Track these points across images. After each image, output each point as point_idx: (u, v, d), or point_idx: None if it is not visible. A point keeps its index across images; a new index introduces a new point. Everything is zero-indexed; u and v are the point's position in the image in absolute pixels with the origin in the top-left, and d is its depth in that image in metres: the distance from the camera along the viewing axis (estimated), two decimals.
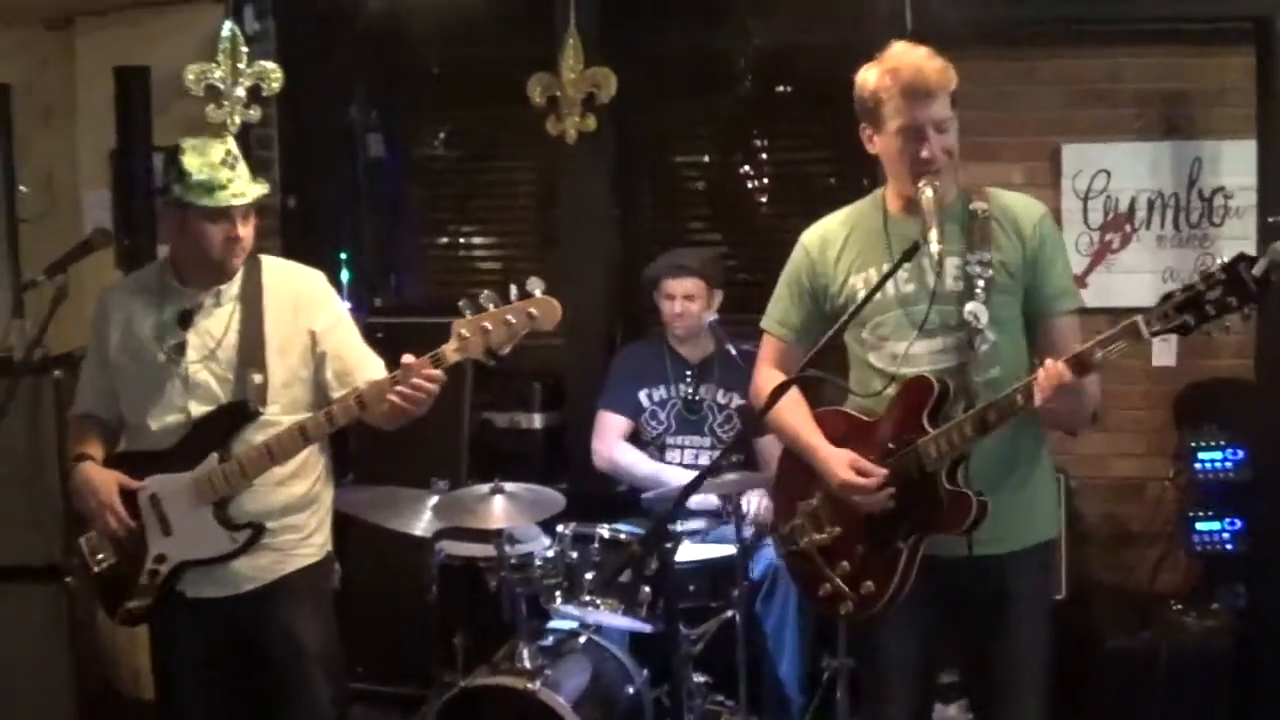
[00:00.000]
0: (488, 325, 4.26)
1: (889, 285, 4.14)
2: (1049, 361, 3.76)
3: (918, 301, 4.13)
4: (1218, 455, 5.95)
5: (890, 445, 4.11)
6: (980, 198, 4.23)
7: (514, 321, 4.25)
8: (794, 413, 4.31)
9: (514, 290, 4.27)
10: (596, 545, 5.54)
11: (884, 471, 4.08)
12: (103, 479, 4.60)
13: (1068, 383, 3.71)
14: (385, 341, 4.95)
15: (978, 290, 4.08)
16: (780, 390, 3.98)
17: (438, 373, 4.35)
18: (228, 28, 6.84)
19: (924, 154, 4.06)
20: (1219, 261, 3.52)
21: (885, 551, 4.12)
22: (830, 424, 4.31)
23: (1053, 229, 4.28)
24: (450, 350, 4.32)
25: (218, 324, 4.63)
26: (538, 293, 4.26)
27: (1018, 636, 4.21)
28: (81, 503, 4.64)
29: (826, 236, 4.36)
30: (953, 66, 4.12)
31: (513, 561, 5.51)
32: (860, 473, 4.10)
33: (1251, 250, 5.64)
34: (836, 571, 4.22)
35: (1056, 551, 4.57)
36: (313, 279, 4.86)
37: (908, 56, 4.11)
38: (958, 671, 4.93)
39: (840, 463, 4.15)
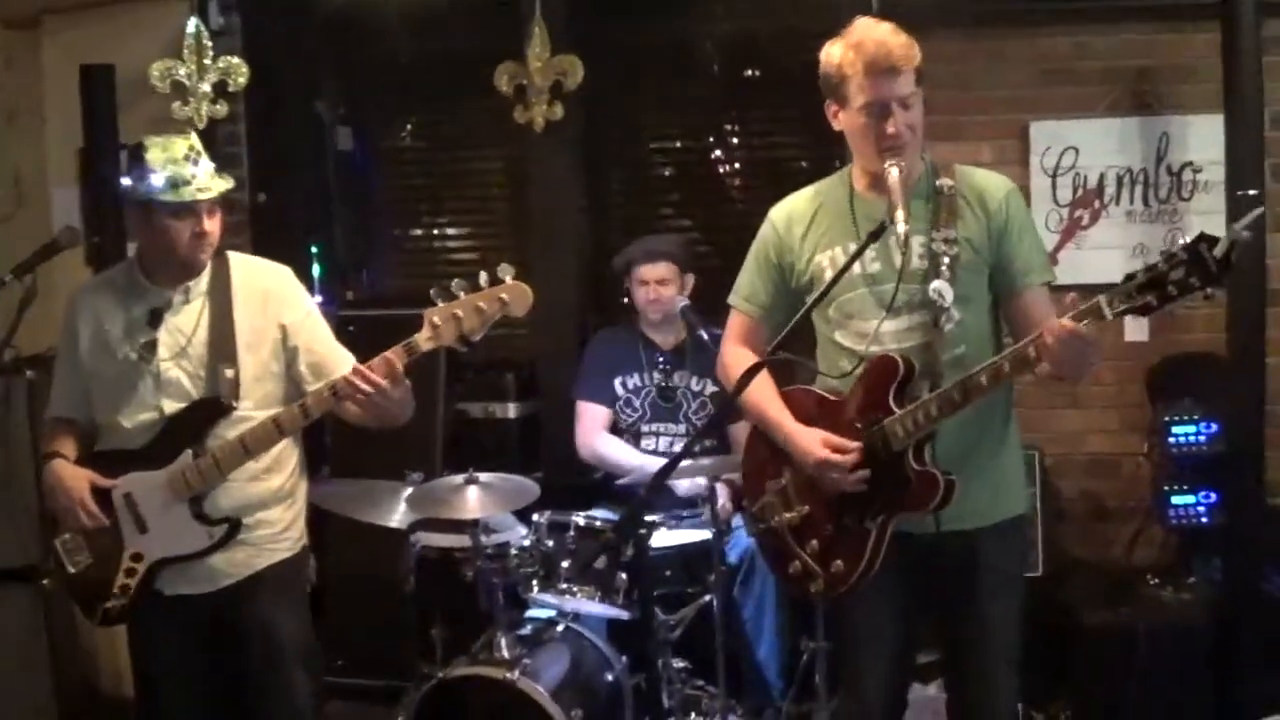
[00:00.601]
0: (459, 313, 4.27)
1: (855, 264, 4.13)
2: (1052, 322, 3.70)
3: (884, 280, 4.13)
4: (1191, 429, 5.96)
5: (857, 425, 4.11)
6: (947, 174, 4.23)
7: (485, 308, 4.27)
8: (762, 392, 4.30)
9: (484, 277, 4.28)
10: (572, 533, 5.54)
11: (858, 446, 4.08)
12: (73, 476, 4.60)
13: (1072, 333, 3.65)
14: (358, 334, 4.97)
15: (943, 268, 4.08)
16: (751, 372, 3.98)
17: (397, 367, 4.35)
18: (193, 24, 6.82)
19: (889, 130, 4.06)
20: (1180, 241, 3.52)
21: (854, 531, 4.14)
22: (797, 402, 4.31)
23: (1020, 204, 4.28)
24: (423, 339, 4.33)
25: (188, 321, 4.63)
26: (508, 279, 4.28)
27: (989, 611, 4.23)
28: (53, 501, 4.63)
29: (793, 214, 4.37)
30: (918, 45, 4.11)
31: (489, 551, 5.51)
32: (835, 450, 4.11)
33: (1221, 225, 5.74)
34: (806, 550, 4.24)
35: (1026, 527, 4.55)
36: (281, 274, 4.85)
37: (872, 32, 4.10)
38: (934, 651, 4.94)
39: (813, 441, 4.15)
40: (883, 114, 4.06)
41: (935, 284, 4.06)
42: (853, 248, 4.13)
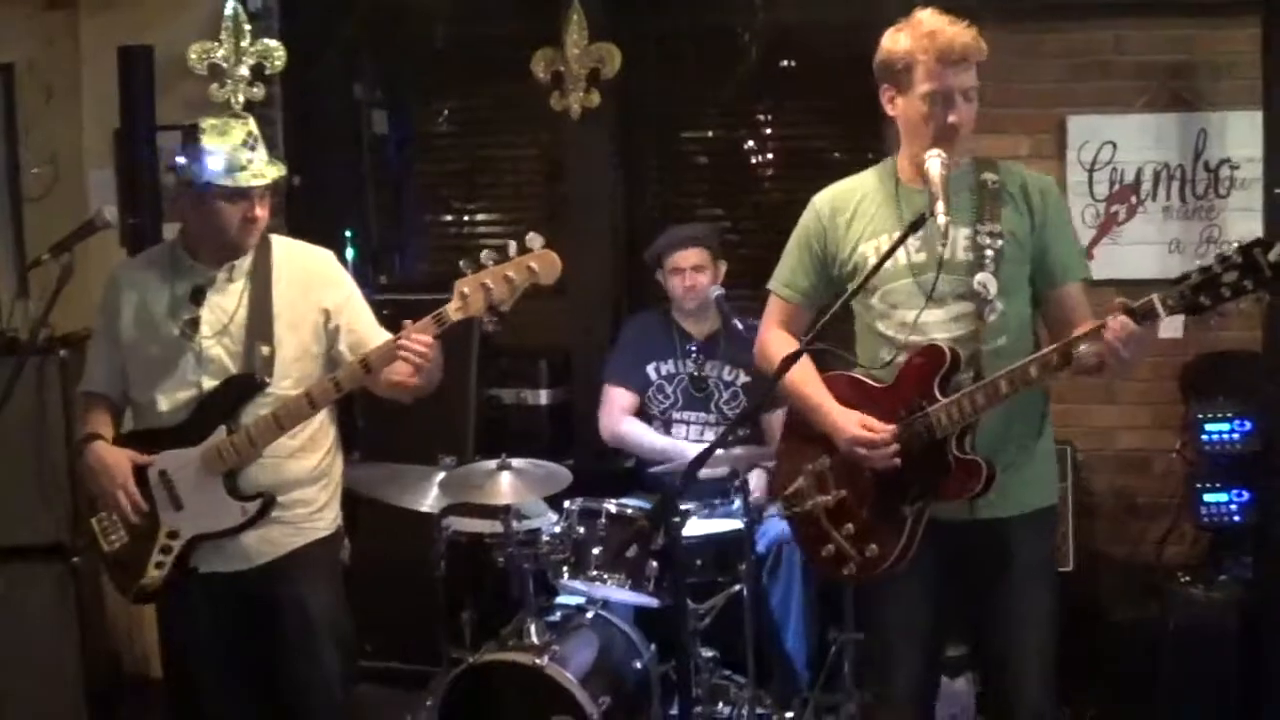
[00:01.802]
0: (488, 282, 4.29)
1: (900, 254, 4.16)
2: (1111, 319, 3.76)
3: (928, 270, 4.15)
4: (1225, 427, 5.93)
5: (901, 411, 4.13)
6: (990, 169, 4.27)
7: (514, 277, 4.29)
8: (804, 375, 4.32)
9: (513, 246, 4.29)
10: (603, 520, 5.54)
11: (892, 427, 4.12)
12: (115, 459, 4.62)
13: (1136, 331, 3.72)
14: (391, 318, 4.94)
15: (987, 260, 4.12)
16: (790, 359, 4.00)
17: (426, 338, 4.37)
18: (231, 6, 6.83)
19: (951, 119, 4.10)
20: (1234, 244, 3.54)
21: (891, 516, 4.17)
22: (839, 388, 4.34)
23: (1060, 201, 4.36)
24: (453, 309, 4.36)
25: (230, 300, 4.66)
26: (536, 248, 4.29)
27: (1023, 599, 4.26)
28: (94, 483, 4.65)
29: (837, 202, 4.38)
30: None
31: (520, 537, 5.53)
32: (868, 429, 4.14)
33: (1258, 222, 5.72)
34: (841, 533, 4.27)
35: (1057, 518, 4.59)
36: (324, 258, 4.90)
37: (942, 23, 4.15)
38: (964, 644, 4.94)
39: (849, 420, 4.19)
40: (947, 103, 4.10)
41: (980, 276, 4.11)
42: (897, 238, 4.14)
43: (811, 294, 4.47)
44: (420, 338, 4.37)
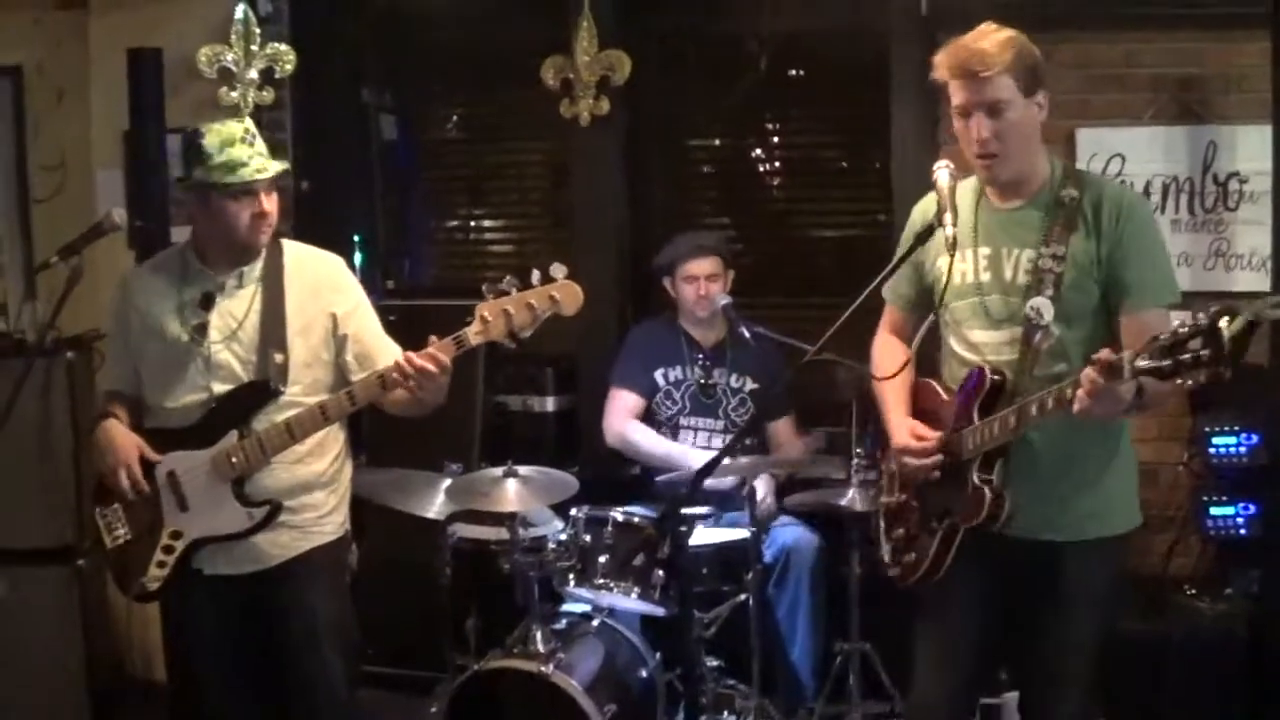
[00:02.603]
0: (510, 309, 4.32)
1: (969, 272, 4.16)
2: (1085, 372, 3.64)
3: (990, 291, 4.13)
4: (1232, 440, 5.92)
5: (946, 430, 4.17)
6: (1073, 184, 4.16)
7: (536, 305, 4.31)
8: (892, 381, 4.35)
9: (536, 275, 4.32)
10: (610, 528, 5.53)
11: (936, 436, 4.14)
12: (124, 439, 4.64)
13: (1102, 387, 3.59)
14: (398, 324, 4.99)
15: (1045, 285, 4.04)
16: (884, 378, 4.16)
17: (444, 359, 4.39)
18: (241, 10, 6.84)
19: (974, 134, 4.04)
20: (1209, 310, 3.35)
21: (926, 529, 4.22)
22: (920, 394, 4.40)
23: (1140, 221, 4.13)
24: (473, 333, 4.38)
25: (239, 305, 4.68)
26: (560, 277, 4.32)
27: (1061, 628, 4.19)
28: (100, 459, 4.67)
29: (927, 213, 4.25)
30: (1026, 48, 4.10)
31: (526, 544, 5.54)
32: (916, 437, 4.18)
33: (1267, 236, 5.71)
34: (892, 535, 4.36)
35: (1123, 549, 4.40)
36: (334, 264, 4.92)
37: (969, 37, 4.08)
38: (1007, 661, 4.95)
39: (901, 427, 4.25)
40: (965, 118, 4.06)
41: (1034, 300, 4.03)
42: (975, 252, 4.16)
43: (916, 300, 4.46)
44: (437, 355, 4.39)
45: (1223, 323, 3.27)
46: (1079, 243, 4.08)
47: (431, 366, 4.38)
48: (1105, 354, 3.57)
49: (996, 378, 4.07)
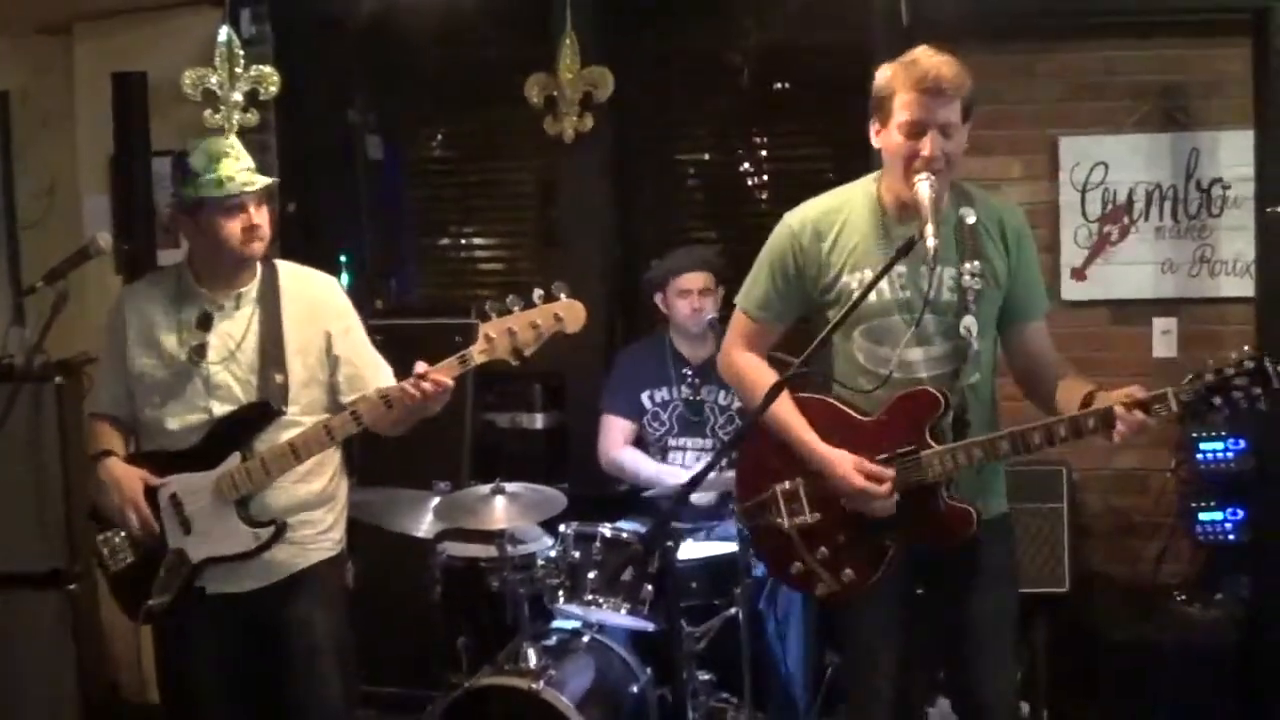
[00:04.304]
0: (514, 328, 4.34)
1: (886, 289, 4.17)
2: (1123, 411, 3.82)
3: (915, 308, 4.14)
4: (1219, 445, 5.96)
5: (889, 452, 4.14)
6: (965, 201, 4.25)
7: (540, 324, 4.35)
8: (785, 406, 4.29)
9: (538, 293, 4.35)
10: (599, 544, 5.53)
11: (892, 474, 4.12)
12: (128, 476, 4.64)
13: (1148, 423, 3.83)
14: (386, 344, 4.98)
15: (970, 302, 4.13)
16: (776, 389, 3.96)
17: (448, 380, 4.43)
18: (224, 32, 6.83)
19: (923, 151, 4.04)
20: (1246, 349, 3.70)
21: (871, 543, 4.21)
22: (816, 413, 4.32)
23: (1030, 236, 4.37)
24: (477, 351, 4.40)
25: (237, 326, 4.70)
26: (563, 296, 4.34)
27: (989, 601, 4.32)
28: (106, 499, 4.66)
29: (820, 226, 4.31)
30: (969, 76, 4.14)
31: (515, 562, 5.53)
32: (870, 477, 4.13)
33: (1250, 242, 5.75)
34: (815, 555, 4.29)
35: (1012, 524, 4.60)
36: (329, 284, 4.96)
37: (927, 55, 4.11)
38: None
39: (848, 467, 4.16)
40: (918, 134, 4.06)
41: (966, 320, 4.13)
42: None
43: (784, 315, 4.46)
44: (438, 378, 4.43)
45: (1266, 362, 3.67)
46: (990, 259, 4.21)
47: (441, 389, 4.43)
48: (1137, 392, 3.81)
49: (945, 400, 4.12)
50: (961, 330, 4.12)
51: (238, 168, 4.61)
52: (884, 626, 4.35)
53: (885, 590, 4.26)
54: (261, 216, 4.68)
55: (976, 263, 4.15)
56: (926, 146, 4.04)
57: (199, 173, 4.57)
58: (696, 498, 5.82)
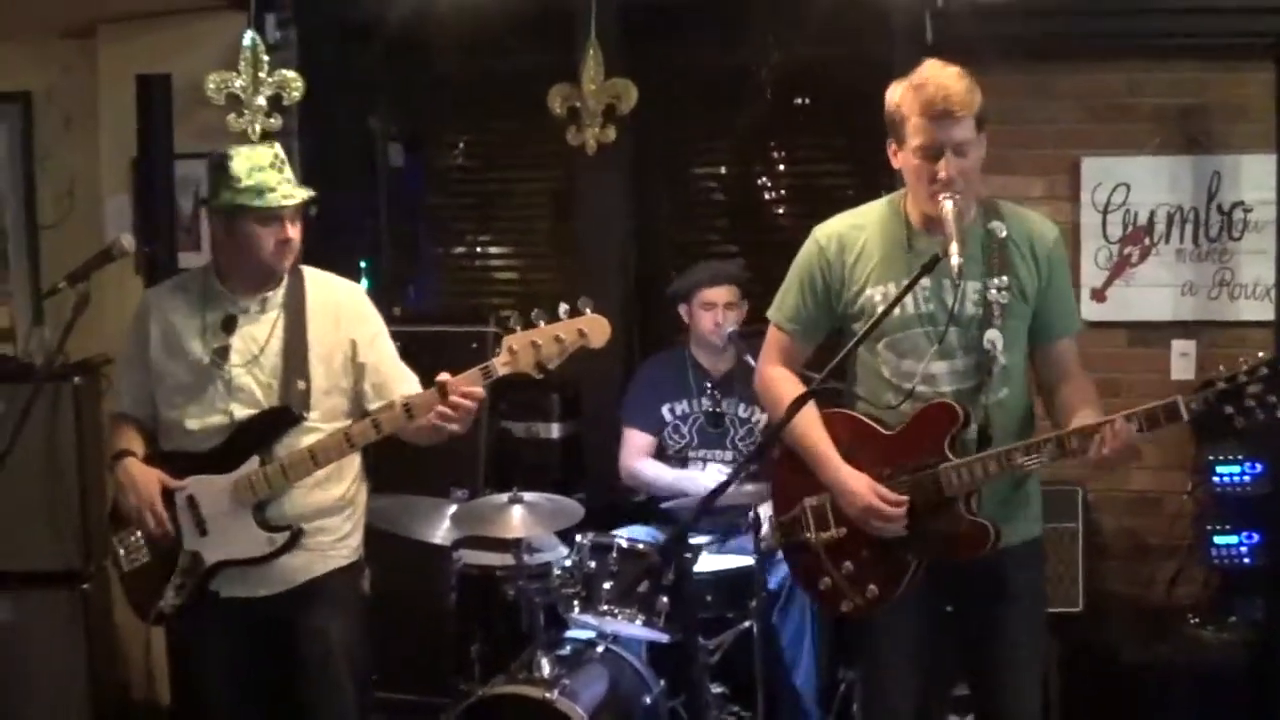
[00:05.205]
0: (538, 341, 4.35)
1: (909, 304, 4.19)
2: (1118, 421, 3.85)
3: (939, 322, 4.16)
4: (1236, 469, 5.93)
5: (909, 465, 4.16)
6: (996, 215, 4.27)
7: (564, 338, 4.35)
8: (807, 420, 4.30)
9: (564, 308, 4.35)
10: (614, 555, 5.54)
11: (906, 500, 4.13)
12: (145, 477, 4.65)
13: (1134, 441, 3.84)
14: (404, 351, 4.98)
15: (995, 316, 4.15)
16: (799, 402, 3.97)
17: (479, 390, 4.44)
18: (249, 36, 6.84)
19: (940, 175, 4.07)
20: (1261, 356, 3.58)
21: (894, 561, 4.22)
22: (840, 428, 4.33)
23: (1063, 254, 4.37)
24: (500, 364, 4.41)
25: (262, 330, 4.70)
26: (588, 311, 4.35)
27: (1018, 624, 4.31)
28: (124, 499, 4.67)
29: (845, 240, 4.35)
30: (979, 87, 4.14)
31: (531, 571, 5.56)
32: (883, 499, 4.15)
33: (1271, 265, 5.73)
34: (840, 571, 4.29)
35: (1044, 549, 4.64)
36: (355, 292, 4.97)
37: (936, 75, 4.12)
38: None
39: (861, 487, 4.19)
40: (934, 157, 4.08)
41: (990, 334, 4.14)
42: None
43: (814, 329, 4.47)
44: (470, 390, 4.43)
45: None
46: (1019, 273, 4.22)
47: (470, 404, 4.44)
48: (1142, 409, 3.82)
49: (966, 414, 4.12)
50: (985, 344, 4.13)
51: (280, 179, 4.61)
52: (907, 644, 4.35)
53: (909, 607, 4.26)
54: (295, 231, 4.69)
55: (1004, 277, 4.16)
56: (943, 170, 4.07)
57: (239, 178, 4.55)
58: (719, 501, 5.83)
